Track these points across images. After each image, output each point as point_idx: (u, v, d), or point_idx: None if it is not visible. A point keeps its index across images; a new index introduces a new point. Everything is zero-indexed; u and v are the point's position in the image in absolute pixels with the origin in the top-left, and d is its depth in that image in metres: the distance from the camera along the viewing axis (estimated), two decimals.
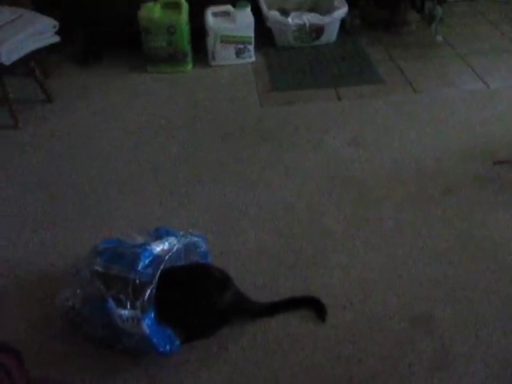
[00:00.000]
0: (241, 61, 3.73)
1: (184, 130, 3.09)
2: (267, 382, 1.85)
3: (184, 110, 3.28)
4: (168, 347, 1.84)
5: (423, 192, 2.61)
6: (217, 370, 1.88)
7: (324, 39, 3.89)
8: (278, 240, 2.37)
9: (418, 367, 1.88)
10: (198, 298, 1.91)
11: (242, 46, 3.68)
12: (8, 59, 2.85)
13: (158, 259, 1.86)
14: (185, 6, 3.54)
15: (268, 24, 3.79)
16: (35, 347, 1.95)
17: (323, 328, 2.00)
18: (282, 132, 3.05)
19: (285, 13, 3.79)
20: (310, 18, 3.75)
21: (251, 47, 3.71)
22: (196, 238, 2.06)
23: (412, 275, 2.20)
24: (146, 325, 1.77)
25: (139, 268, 1.82)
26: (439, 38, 3.86)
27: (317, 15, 3.78)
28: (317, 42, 3.88)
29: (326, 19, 3.78)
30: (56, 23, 3.08)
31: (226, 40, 3.63)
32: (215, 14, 3.62)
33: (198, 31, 3.61)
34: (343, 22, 3.92)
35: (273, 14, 3.74)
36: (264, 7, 3.76)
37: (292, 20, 3.73)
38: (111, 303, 1.78)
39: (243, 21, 3.62)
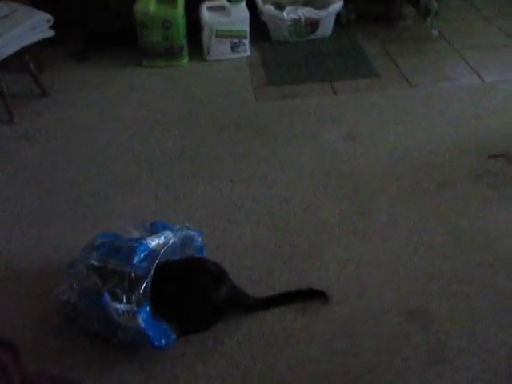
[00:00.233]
0: (236, 55, 3.72)
1: (180, 125, 3.08)
2: (263, 376, 1.85)
3: (179, 104, 3.27)
4: (163, 341, 1.84)
5: (418, 186, 2.61)
6: (212, 364, 1.88)
7: (319, 33, 3.88)
8: (273, 234, 2.37)
9: (414, 361, 1.87)
10: (193, 292, 1.91)
11: (237, 41, 3.67)
12: (2, 54, 2.84)
13: (153, 253, 1.87)
14: (180, 0, 3.51)
15: (263, 18, 3.78)
16: (31, 342, 1.94)
17: (319, 322, 2.00)
18: (277, 126, 3.05)
19: (280, 7, 3.78)
20: (305, 12, 3.75)
21: (246, 41, 3.70)
22: (192, 232, 2.06)
23: (407, 269, 2.20)
24: (142, 319, 1.77)
25: (135, 262, 1.83)
26: (435, 32, 3.85)
27: (312, 9, 3.77)
28: (312, 37, 3.87)
29: (321, 13, 3.77)
30: (50, 17, 3.07)
31: (222, 34, 3.62)
32: (210, 9, 3.61)
33: (194, 25, 3.60)
34: (339, 16, 3.90)
35: (268, 8, 3.73)
36: (259, 1, 3.75)
37: (287, 14, 3.72)
38: (107, 297, 1.78)
39: (238, 15, 3.61)
